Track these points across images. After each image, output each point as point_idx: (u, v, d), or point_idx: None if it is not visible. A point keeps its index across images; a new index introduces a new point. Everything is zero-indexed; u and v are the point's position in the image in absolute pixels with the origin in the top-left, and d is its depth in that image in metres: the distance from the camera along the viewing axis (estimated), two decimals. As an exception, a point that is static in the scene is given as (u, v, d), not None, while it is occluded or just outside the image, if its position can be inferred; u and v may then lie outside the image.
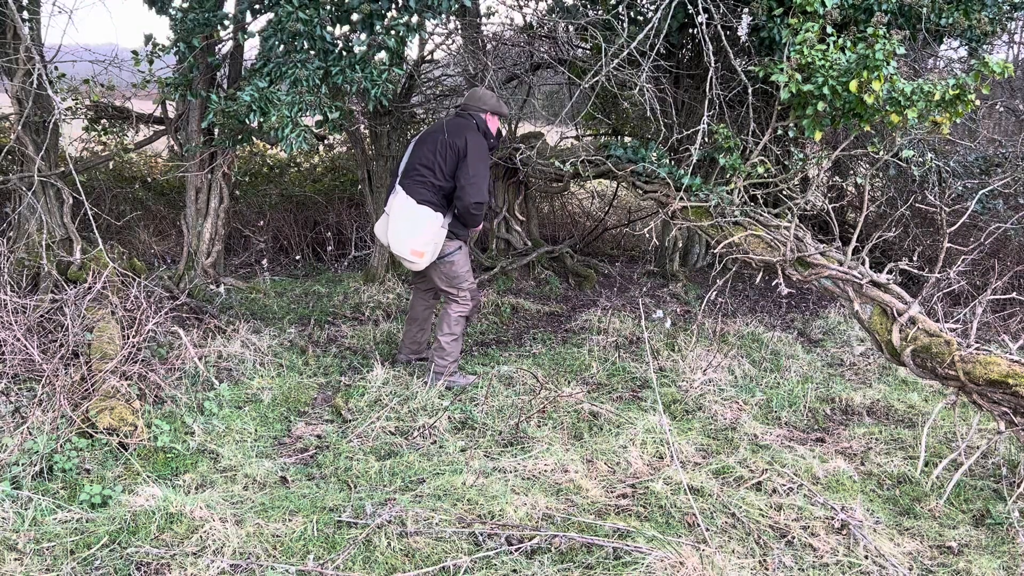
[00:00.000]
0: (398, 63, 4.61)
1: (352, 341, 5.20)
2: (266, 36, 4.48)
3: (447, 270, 4.38)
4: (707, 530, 2.92)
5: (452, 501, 3.06)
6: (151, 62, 5.15)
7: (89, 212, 4.38)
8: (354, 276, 6.75)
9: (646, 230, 5.17)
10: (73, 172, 4.42)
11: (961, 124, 6.29)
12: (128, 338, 4.10)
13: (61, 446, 3.27)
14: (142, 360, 4.06)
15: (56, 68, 5.51)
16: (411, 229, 4.24)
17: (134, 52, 5.34)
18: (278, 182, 7.91)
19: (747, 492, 3.28)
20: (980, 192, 5.14)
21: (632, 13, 5.92)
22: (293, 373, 4.57)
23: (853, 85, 4.18)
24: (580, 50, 6.77)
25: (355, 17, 4.48)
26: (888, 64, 4.13)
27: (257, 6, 4.83)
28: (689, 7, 4.92)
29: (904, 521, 3.20)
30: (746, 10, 5.43)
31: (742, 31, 6.10)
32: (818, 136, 4.59)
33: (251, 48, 5.64)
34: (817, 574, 2.76)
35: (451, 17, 6.24)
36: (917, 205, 5.54)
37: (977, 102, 4.27)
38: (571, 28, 6.41)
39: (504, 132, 4.36)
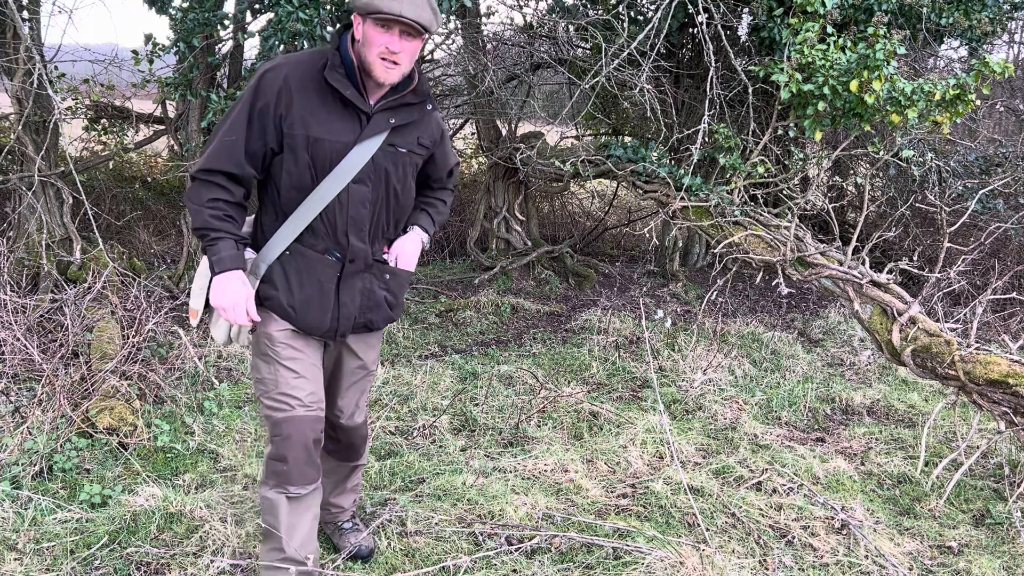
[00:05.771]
0: (398, 63, 4.61)
1: (352, 341, 5.20)
2: (266, 36, 4.48)
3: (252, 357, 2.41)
4: (707, 530, 2.92)
5: (452, 501, 3.06)
6: (151, 62, 5.15)
7: (89, 212, 4.38)
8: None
9: (646, 230, 5.17)
10: (73, 172, 4.42)
11: (961, 124, 6.29)
12: (128, 338, 4.10)
13: (61, 446, 3.27)
14: (142, 360, 4.06)
15: (56, 68, 5.51)
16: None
17: (134, 52, 5.34)
18: (278, 182, 7.89)
19: (747, 492, 3.28)
20: (980, 192, 5.13)
21: (632, 13, 5.91)
22: (293, 373, 4.56)
23: (853, 85, 4.18)
24: (580, 50, 6.77)
25: (355, 17, 4.48)
26: (888, 64, 4.13)
27: (257, 6, 4.83)
28: (689, 7, 4.92)
29: (904, 521, 3.20)
30: (746, 10, 5.43)
31: (742, 31, 6.10)
32: (818, 136, 4.59)
33: (251, 48, 5.64)
34: (817, 574, 2.76)
35: (451, 17, 6.23)
36: (917, 205, 5.54)
37: (977, 102, 4.27)
38: (571, 28, 6.41)
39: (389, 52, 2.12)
